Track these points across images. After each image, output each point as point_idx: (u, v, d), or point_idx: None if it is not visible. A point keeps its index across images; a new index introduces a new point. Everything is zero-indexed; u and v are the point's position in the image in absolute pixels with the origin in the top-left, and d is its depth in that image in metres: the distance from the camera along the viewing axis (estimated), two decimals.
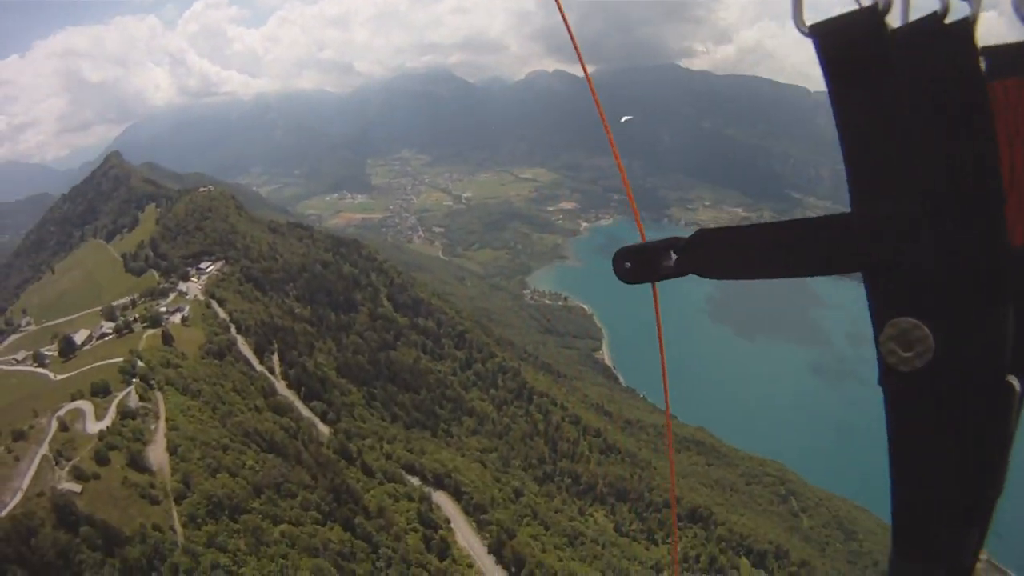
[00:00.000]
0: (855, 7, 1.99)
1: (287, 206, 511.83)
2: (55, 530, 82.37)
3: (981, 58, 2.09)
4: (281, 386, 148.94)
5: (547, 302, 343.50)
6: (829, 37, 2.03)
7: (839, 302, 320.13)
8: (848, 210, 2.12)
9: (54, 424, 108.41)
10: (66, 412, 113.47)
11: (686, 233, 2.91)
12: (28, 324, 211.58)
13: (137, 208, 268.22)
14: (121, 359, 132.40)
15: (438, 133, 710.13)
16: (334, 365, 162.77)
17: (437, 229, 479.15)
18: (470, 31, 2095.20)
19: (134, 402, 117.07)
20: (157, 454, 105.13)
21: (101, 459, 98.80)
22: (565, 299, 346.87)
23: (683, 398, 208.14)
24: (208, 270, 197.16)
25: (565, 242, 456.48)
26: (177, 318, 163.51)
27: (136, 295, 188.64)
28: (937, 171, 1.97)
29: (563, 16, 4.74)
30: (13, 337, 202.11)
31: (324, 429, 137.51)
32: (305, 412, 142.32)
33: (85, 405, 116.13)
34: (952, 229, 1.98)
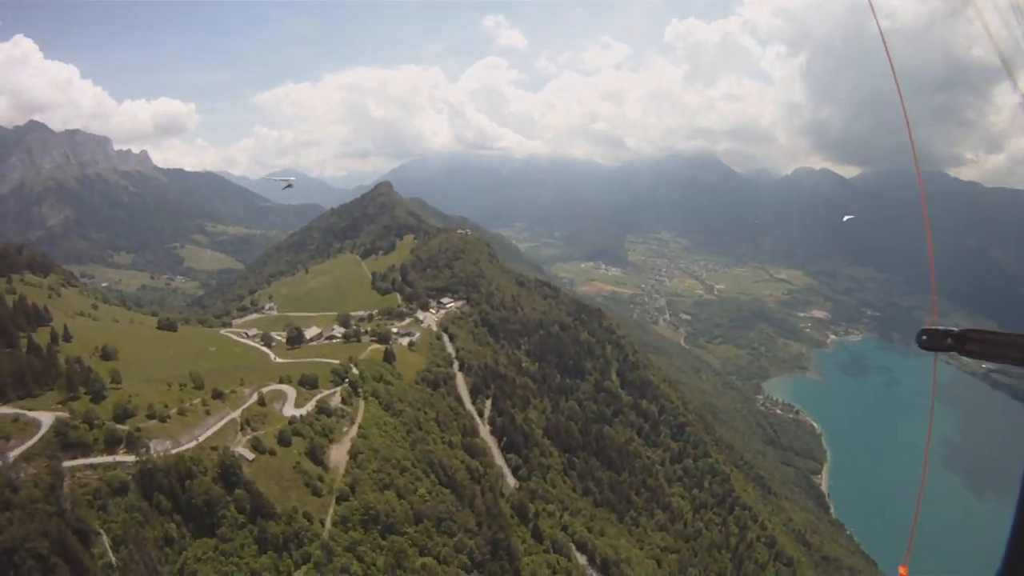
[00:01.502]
0: None
1: (543, 264, 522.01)
2: (213, 482, 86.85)
3: None
4: (485, 430, 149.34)
5: (778, 412, 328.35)
6: None
7: None
8: None
9: (254, 396, 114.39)
10: (270, 391, 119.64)
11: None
12: (271, 309, 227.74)
13: (396, 235, 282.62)
14: (338, 362, 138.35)
15: (699, 219, 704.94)
16: (543, 424, 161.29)
17: (684, 316, 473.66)
18: (740, 119, 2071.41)
19: (335, 402, 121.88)
20: (338, 454, 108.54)
21: (283, 439, 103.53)
22: (797, 412, 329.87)
23: (890, 540, 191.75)
24: (448, 305, 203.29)
25: (809, 352, 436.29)
26: (405, 341, 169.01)
27: (375, 311, 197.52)
28: None
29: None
30: (254, 316, 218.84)
31: (511, 482, 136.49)
32: (499, 461, 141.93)
33: (290, 391, 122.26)
34: None
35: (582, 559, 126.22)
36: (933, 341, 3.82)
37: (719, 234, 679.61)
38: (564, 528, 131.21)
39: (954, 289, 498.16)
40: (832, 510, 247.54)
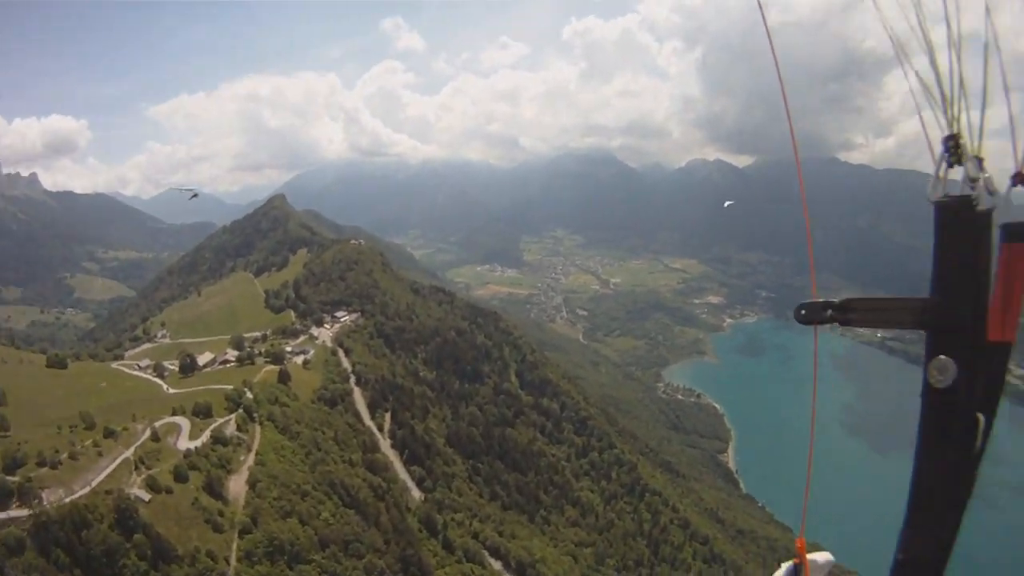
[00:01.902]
0: (959, 194, 3.60)
1: (438, 270, 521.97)
2: (110, 530, 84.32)
3: (1000, 229, 3.70)
4: (386, 444, 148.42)
5: (679, 397, 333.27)
6: (943, 208, 3.64)
7: None
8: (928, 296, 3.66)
9: (147, 432, 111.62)
10: (163, 424, 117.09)
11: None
12: (164, 337, 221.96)
13: (290, 250, 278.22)
14: (232, 387, 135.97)
15: (594, 215, 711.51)
16: (445, 432, 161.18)
17: (581, 312, 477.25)
18: (635, 115, 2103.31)
19: (230, 430, 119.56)
20: (237, 485, 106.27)
21: (180, 476, 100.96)
22: (698, 396, 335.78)
23: (799, 506, 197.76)
24: (343, 319, 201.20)
25: (707, 337, 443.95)
26: (300, 359, 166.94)
27: (269, 331, 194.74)
28: (979, 291, 3.48)
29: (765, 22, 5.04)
30: (146, 346, 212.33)
31: (417, 495, 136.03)
32: (403, 475, 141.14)
33: (184, 422, 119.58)
34: (977, 324, 3.52)
35: (496, 564, 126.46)
36: (812, 314, 4.09)
37: (614, 228, 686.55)
38: (475, 535, 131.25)
39: (847, 266, 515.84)
40: (742, 485, 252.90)
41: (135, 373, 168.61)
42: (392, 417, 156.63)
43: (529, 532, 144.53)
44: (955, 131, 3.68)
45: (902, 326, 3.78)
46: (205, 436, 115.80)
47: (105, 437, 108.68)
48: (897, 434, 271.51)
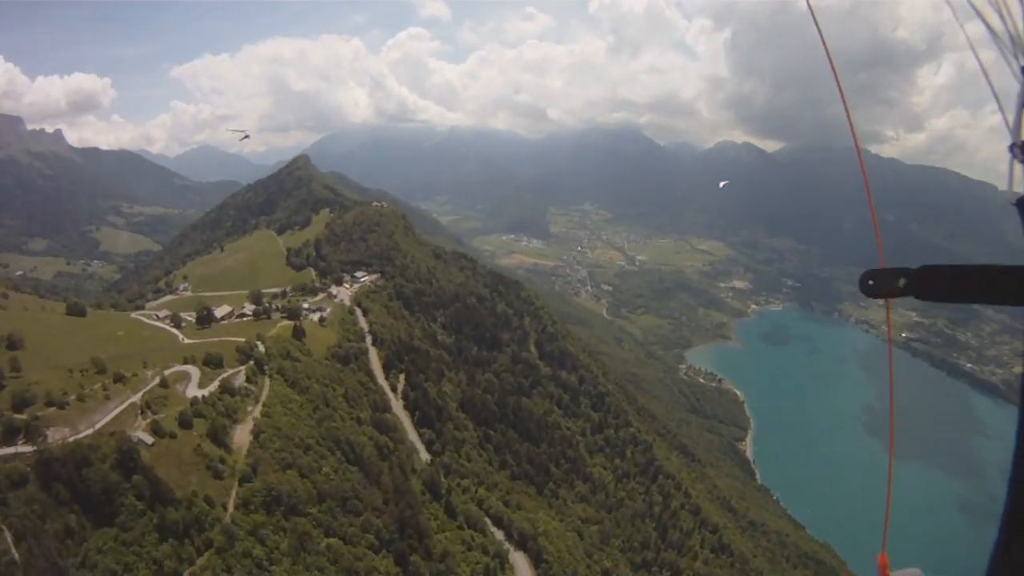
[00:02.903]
0: None
1: (464, 238, 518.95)
2: (111, 469, 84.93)
3: (1016, 205, 3.42)
4: (398, 405, 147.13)
5: (700, 380, 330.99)
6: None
7: (1003, 433, 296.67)
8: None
9: (157, 379, 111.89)
10: (173, 372, 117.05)
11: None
12: (185, 290, 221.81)
13: (312, 210, 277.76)
14: (244, 340, 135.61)
15: (622, 191, 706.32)
16: (459, 397, 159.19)
17: (606, 287, 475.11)
18: (663, 91, 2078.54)
19: (239, 381, 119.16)
20: (242, 435, 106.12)
21: (184, 422, 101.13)
22: (719, 381, 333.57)
23: (817, 509, 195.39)
24: (362, 279, 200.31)
25: (731, 322, 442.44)
26: (316, 316, 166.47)
27: (289, 288, 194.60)
28: None
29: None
30: (168, 297, 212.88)
31: (425, 458, 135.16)
32: (413, 436, 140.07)
33: (194, 371, 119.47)
34: None
35: (499, 534, 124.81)
36: (881, 285, 3.54)
37: (641, 206, 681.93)
38: (479, 503, 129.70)
39: (872, 261, 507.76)
40: (758, 476, 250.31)
41: (153, 323, 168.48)
42: (406, 378, 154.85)
43: (536, 504, 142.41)
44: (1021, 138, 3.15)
45: (1000, 300, 3.15)
46: (214, 385, 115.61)
47: (115, 382, 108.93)
48: (917, 441, 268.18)
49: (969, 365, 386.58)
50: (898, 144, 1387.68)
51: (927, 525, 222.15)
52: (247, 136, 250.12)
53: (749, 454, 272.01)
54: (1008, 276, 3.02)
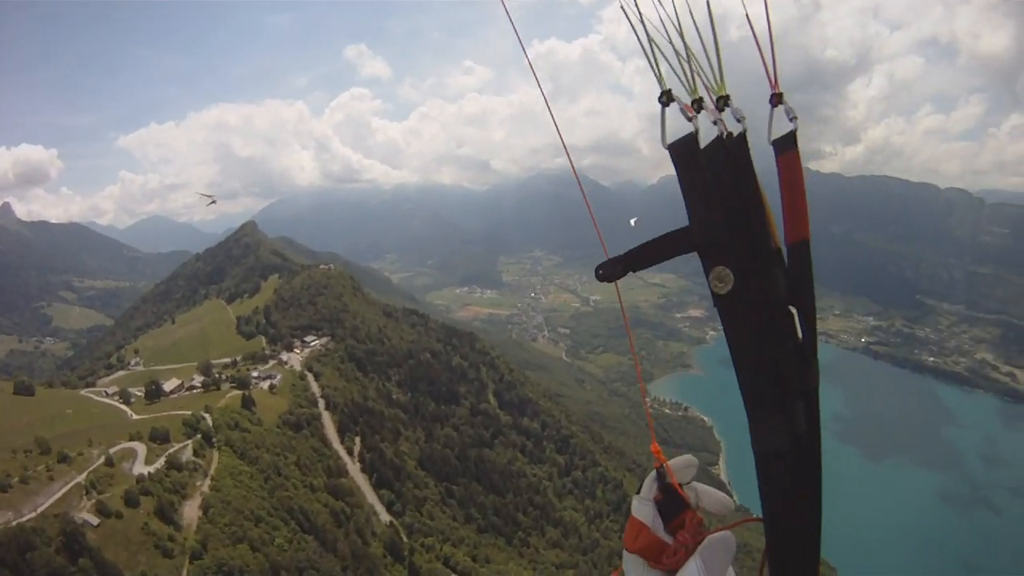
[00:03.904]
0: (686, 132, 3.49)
1: (416, 294, 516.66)
2: (57, 553, 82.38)
3: (772, 145, 3.76)
4: (355, 468, 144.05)
5: (667, 411, 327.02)
6: (673, 149, 3.47)
7: (975, 419, 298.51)
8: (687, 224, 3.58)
9: (102, 458, 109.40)
10: (119, 450, 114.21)
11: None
12: (137, 364, 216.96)
13: (261, 276, 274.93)
14: (190, 413, 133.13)
15: (570, 235, 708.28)
16: (418, 455, 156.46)
17: (563, 330, 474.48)
18: (603, 133, 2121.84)
19: (187, 455, 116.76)
20: (191, 510, 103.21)
21: (131, 500, 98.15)
22: (685, 409, 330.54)
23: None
24: (313, 344, 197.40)
25: (691, 351, 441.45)
26: (266, 384, 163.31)
27: (239, 357, 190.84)
28: (729, 206, 3.40)
29: (547, 102, 5.00)
30: (120, 373, 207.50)
31: (386, 520, 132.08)
32: (372, 499, 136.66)
33: (140, 448, 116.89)
34: (738, 229, 3.43)
35: None
36: (610, 271, 3.83)
37: (591, 247, 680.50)
38: (445, 561, 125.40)
39: (823, 274, 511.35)
40: (735, 497, 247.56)
41: (102, 400, 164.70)
42: (362, 440, 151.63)
43: (506, 555, 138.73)
44: (668, 88, 3.53)
45: (676, 253, 3.75)
46: (160, 461, 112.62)
47: (59, 462, 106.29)
48: (889, 440, 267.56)
49: (932, 359, 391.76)
50: (837, 158, 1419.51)
51: (915, 521, 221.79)
52: (214, 202, 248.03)
53: (724, 477, 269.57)
54: (676, 236, 3.68)
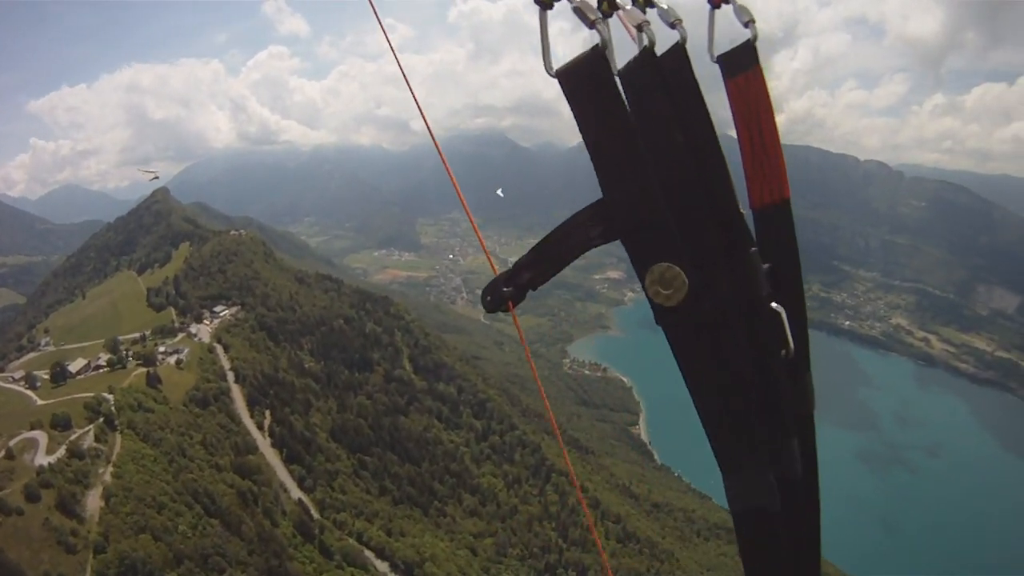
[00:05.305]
0: (584, 50, 2.56)
1: (334, 258, 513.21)
2: None
3: (717, 63, 3.13)
4: (266, 444, 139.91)
5: (586, 372, 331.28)
6: (567, 76, 2.66)
7: (890, 381, 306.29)
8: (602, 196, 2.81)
9: (1, 451, 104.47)
10: (18, 441, 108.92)
11: None
12: (47, 344, 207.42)
13: (172, 245, 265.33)
14: (92, 395, 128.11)
15: (489, 196, 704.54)
16: (329, 427, 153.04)
17: (481, 292, 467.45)
18: (524, 94, 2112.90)
19: (88, 442, 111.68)
20: (93, 501, 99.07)
21: (31, 495, 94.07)
22: (604, 370, 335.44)
23: (718, 481, 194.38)
24: (222, 314, 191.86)
25: (609, 312, 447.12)
26: (173, 359, 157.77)
27: (148, 331, 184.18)
28: (671, 159, 2.61)
29: (406, 79, 5.15)
30: (30, 355, 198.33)
31: (296, 497, 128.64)
32: (283, 476, 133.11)
33: (41, 436, 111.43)
34: (684, 199, 2.65)
35: (383, 566, 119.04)
36: (498, 297, 3.05)
37: (510, 208, 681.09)
38: (358, 536, 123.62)
39: None
40: (656, 456, 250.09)
41: (8, 386, 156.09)
42: (272, 414, 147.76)
43: (422, 527, 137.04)
44: None
45: (589, 246, 3.01)
46: (61, 451, 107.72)
47: None
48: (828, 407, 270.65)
49: (847, 323, 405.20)
50: None
51: (833, 481, 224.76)
52: (156, 177, 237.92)
53: (644, 437, 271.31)
54: (581, 221, 2.91)
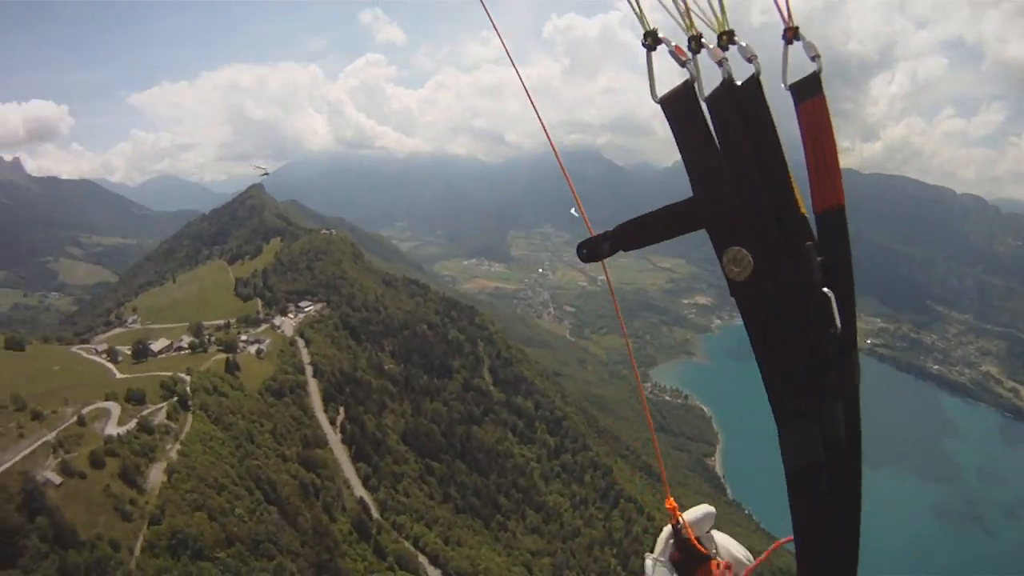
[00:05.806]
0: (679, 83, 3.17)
1: (424, 264, 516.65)
2: (17, 511, 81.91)
3: (789, 91, 3.53)
4: (336, 440, 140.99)
5: (666, 398, 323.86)
6: (666, 103, 3.17)
7: (975, 433, 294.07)
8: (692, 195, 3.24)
9: (75, 417, 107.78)
10: (92, 409, 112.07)
11: None
12: (134, 322, 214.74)
13: (264, 239, 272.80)
14: (170, 374, 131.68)
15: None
16: (402, 429, 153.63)
17: (568, 308, 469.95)
18: (620, 112, 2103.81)
19: (159, 418, 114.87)
20: (156, 475, 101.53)
21: (96, 461, 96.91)
22: (685, 397, 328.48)
23: (788, 524, 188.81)
24: (307, 309, 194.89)
25: (695, 338, 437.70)
26: (254, 349, 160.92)
27: (233, 319, 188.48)
28: (744, 168, 3.10)
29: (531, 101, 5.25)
30: (116, 331, 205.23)
31: (360, 495, 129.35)
32: (349, 472, 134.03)
33: (114, 408, 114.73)
34: (753, 199, 3.14)
35: (435, 573, 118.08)
36: (593, 251, 3.60)
37: (602, 226, 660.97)
38: (415, 541, 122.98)
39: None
40: (729, 491, 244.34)
41: (91, 358, 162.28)
42: (345, 411, 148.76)
43: (480, 539, 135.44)
44: (652, 28, 3.37)
45: (679, 231, 3.48)
46: (131, 423, 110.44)
47: (32, 419, 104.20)
48: (886, 445, 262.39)
49: (936, 367, 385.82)
50: (854, 154, 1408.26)
51: (905, 533, 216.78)
52: (267, 173, 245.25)
53: (719, 469, 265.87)
54: (676, 211, 3.35)
